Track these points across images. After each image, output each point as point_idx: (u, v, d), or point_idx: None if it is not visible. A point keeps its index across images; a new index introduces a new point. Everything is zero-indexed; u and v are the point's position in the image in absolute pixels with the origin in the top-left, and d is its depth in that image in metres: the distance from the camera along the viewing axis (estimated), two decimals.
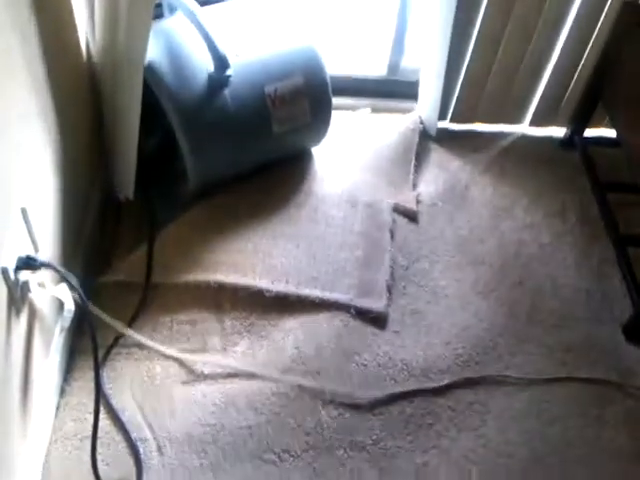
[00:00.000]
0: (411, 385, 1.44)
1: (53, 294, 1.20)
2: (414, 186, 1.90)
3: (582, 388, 1.50)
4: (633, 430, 1.44)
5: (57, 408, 1.36)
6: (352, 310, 1.53)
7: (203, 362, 1.45)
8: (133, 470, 1.30)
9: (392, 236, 1.74)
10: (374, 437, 1.37)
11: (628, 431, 1.44)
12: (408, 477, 1.33)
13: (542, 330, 1.59)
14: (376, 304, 1.55)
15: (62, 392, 1.39)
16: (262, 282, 1.54)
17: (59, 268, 1.19)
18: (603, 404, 1.48)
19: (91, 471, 1.25)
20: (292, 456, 1.34)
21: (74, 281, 1.18)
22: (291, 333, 1.49)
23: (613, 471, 1.38)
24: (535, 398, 1.47)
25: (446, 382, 1.46)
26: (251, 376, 1.43)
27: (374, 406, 1.41)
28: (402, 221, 1.80)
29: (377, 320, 1.54)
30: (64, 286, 1.19)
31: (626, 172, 1.75)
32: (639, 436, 1.43)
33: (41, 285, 1.18)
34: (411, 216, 1.81)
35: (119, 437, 1.34)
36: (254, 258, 1.58)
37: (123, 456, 1.32)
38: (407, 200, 1.83)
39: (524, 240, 1.79)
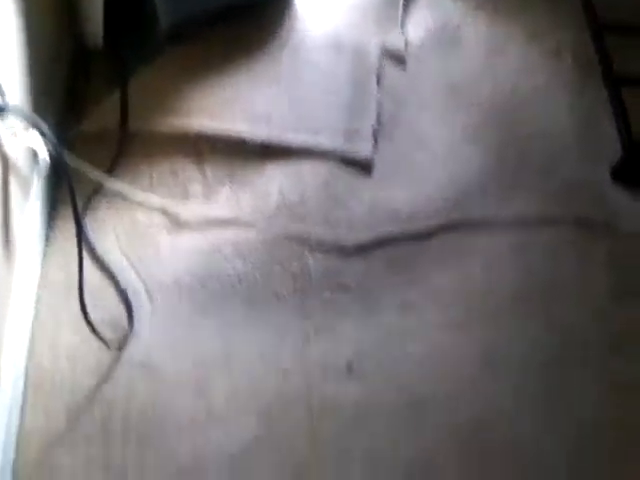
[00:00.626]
0: (397, 229, 1.44)
1: (26, 143, 1.15)
2: (402, 27, 1.79)
3: (569, 229, 1.50)
4: (616, 271, 1.46)
5: (43, 256, 1.36)
6: (337, 156, 1.49)
7: (186, 211, 1.43)
8: (124, 316, 1.32)
9: (379, 80, 1.66)
10: (359, 279, 1.39)
11: (611, 272, 1.46)
12: (392, 315, 1.36)
13: (531, 172, 1.57)
14: (362, 150, 1.51)
15: (47, 240, 1.38)
16: (243, 128, 1.49)
17: (29, 113, 1.13)
18: (589, 245, 1.49)
19: (81, 317, 1.26)
20: (280, 300, 1.36)
21: (45, 128, 1.13)
22: (275, 180, 1.46)
23: (594, 309, 1.42)
24: (521, 239, 1.48)
25: (432, 226, 1.45)
26: (236, 224, 1.42)
27: (359, 250, 1.42)
28: (390, 64, 1.71)
29: (363, 166, 1.51)
30: (35, 133, 1.14)
31: (624, 13, 1.65)
32: (621, 277, 1.45)
33: (13, 134, 1.13)
34: (399, 59, 1.72)
35: (107, 285, 1.35)
36: (233, 104, 1.52)
37: (113, 303, 1.33)
38: (395, 42, 1.73)
39: (518, 82, 1.72)
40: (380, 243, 1.43)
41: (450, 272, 1.42)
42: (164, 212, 1.43)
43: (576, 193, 1.55)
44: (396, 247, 1.43)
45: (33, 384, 1.24)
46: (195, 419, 1.24)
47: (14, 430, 1.19)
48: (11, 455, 1.17)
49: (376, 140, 1.55)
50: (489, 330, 1.36)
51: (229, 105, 1.52)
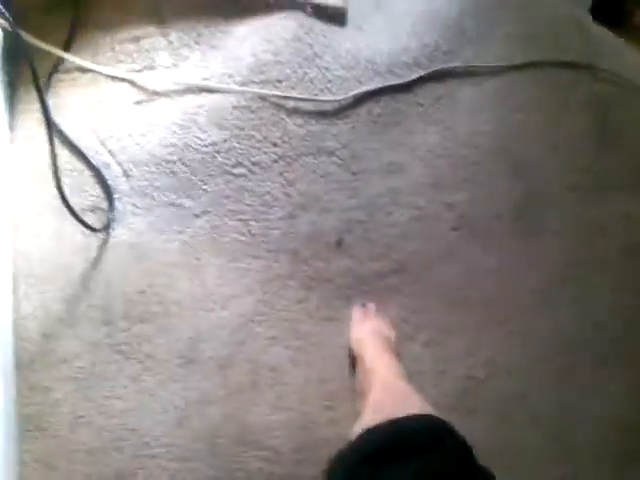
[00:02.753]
0: (377, 83, 1.37)
1: None
2: None
3: (551, 72, 1.44)
4: (597, 112, 1.43)
5: (10, 143, 1.30)
6: (308, 8, 1.38)
7: (155, 80, 1.34)
8: (103, 197, 1.29)
9: None
10: (342, 141, 1.35)
11: (593, 113, 1.43)
12: (377, 179, 1.34)
13: (512, 14, 1.47)
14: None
15: (11, 127, 1.31)
16: None
17: None
18: (571, 87, 1.44)
19: (62, 203, 1.23)
20: (262, 168, 1.33)
21: None
22: (245, 40, 1.36)
23: (578, 151, 1.41)
24: (503, 86, 1.42)
25: (413, 77, 1.38)
26: (208, 90, 1.34)
27: (340, 110, 1.36)
28: None
29: (336, 17, 1.39)
30: None
31: None
32: (600, 118, 1.43)
33: None
34: None
35: (80, 166, 1.30)
36: None
37: (89, 184, 1.30)
38: None
39: None
40: (360, 100, 1.37)
41: (435, 126, 1.38)
42: (131, 84, 1.34)
43: (557, 34, 1.47)
44: (377, 103, 1.37)
45: (23, 274, 1.24)
46: (194, 296, 1.27)
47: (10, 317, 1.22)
48: (10, 339, 1.21)
49: None
50: (473, 186, 1.35)
51: None
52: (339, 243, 1.30)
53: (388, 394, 0.96)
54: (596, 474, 1.27)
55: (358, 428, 0.79)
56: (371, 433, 0.76)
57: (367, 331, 1.21)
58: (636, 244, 1.38)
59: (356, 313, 1.26)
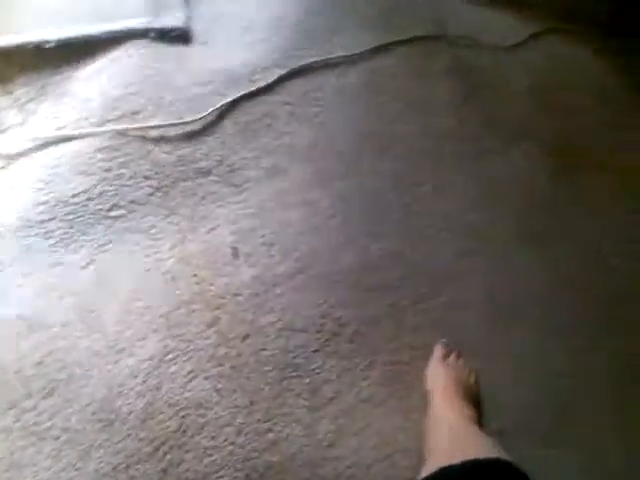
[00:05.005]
0: (239, 92, 1.34)
1: None
2: None
3: (408, 49, 1.47)
4: (459, 77, 1.46)
5: None
6: (150, 34, 1.34)
7: (8, 143, 1.27)
8: None
9: None
10: (216, 158, 1.31)
11: (456, 79, 1.45)
12: (262, 185, 1.30)
13: (357, 2, 1.49)
14: (175, 20, 1.36)
15: None
16: (36, 34, 1.30)
17: None
18: (430, 59, 1.47)
19: None
20: (140, 204, 1.27)
21: None
22: (92, 80, 1.31)
23: (447, 117, 1.42)
24: (365, 71, 1.43)
25: (274, 78, 1.36)
26: (66, 139, 1.28)
27: (206, 128, 1.32)
28: None
29: (180, 37, 1.37)
30: None
31: None
32: (464, 81, 1.45)
33: None
34: None
35: None
36: (21, 8, 1.31)
37: None
38: None
39: None
40: (224, 113, 1.33)
41: (306, 122, 1.36)
42: None
43: (407, 11, 1.50)
44: (243, 111, 1.34)
45: None
46: (97, 351, 1.18)
47: None
48: None
49: (188, 3, 1.40)
50: (351, 174, 1.33)
51: (15, 10, 1.31)
52: (235, 254, 1.24)
53: (455, 440, 0.95)
54: None
55: (425, 472, 0.80)
56: (444, 470, 0.76)
57: (442, 374, 1.16)
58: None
59: (437, 352, 1.21)
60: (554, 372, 1.23)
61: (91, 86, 1.31)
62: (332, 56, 1.42)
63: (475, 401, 1.15)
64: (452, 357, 1.20)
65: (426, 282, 1.28)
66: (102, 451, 1.13)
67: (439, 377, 1.16)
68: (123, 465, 1.13)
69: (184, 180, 1.29)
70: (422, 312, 1.26)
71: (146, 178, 1.27)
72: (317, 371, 1.20)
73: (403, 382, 1.21)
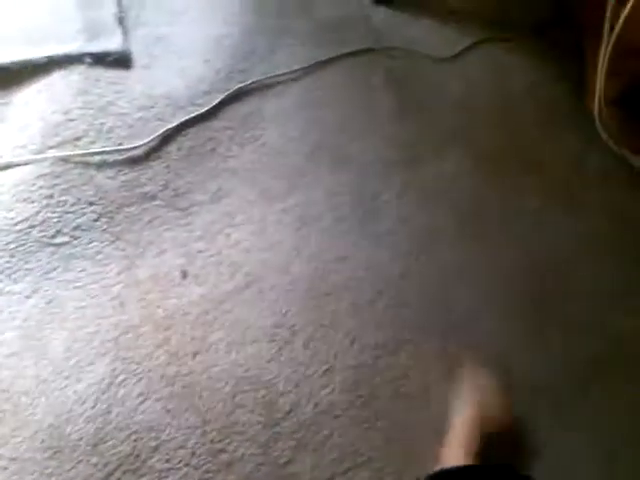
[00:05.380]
0: (180, 118, 1.36)
1: None
2: None
3: (346, 63, 1.51)
4: (397, 88, 1.51)
5: None
6: (87, 59, 1.35)
7: None
8: None
9: None
10: (161, 183, 1.32)
11: (394, 90, 1.51)
12: (208, 208, 1.33)
13: (294, 21, 1.53)
14: (112, 43, 1.37)
15: None
16: None
17: None
18: (368, 73, 1.52)
19: None
20: (84, 230, 1.27)
21: None
22: (29, 106, 1.30)
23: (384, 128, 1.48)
24: (305, 89, 1.47)
25: (214, 103, 1.39)
26: (4, 168, 1.27)
27: (150, 153, 1.33)
28: None
29: (120, 61, 1.37)
30: None
31: None
32: (401, 92, 1.51)
33: None
34: None
35: None
36: None
37: None
38: None
39: None
40: (168, 138, 1.35)
41: (249, 145, 1.39)
42: None
43: (343, 27, 1.54)
44: (186, 136, 1.36)
45: None
46: (43, 379, 1.18)
47: None
48: None
49: (124, 27, 1.41)
50: (296, 189, 1.37)
51: None
52: (184, 275, 1.26)
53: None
54: None
55: None
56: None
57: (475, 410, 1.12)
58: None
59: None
60: None
61: (28, 112, 1.30)
62: (271, 75, 1.45)
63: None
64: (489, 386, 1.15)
65: (379, 281, 1.33)
66: (53, 479, 1.13)
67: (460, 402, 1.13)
68: None
69: (129, 205, 1.30)
70: (379, 311, 1.29)
71: (90, 204, 1.28)
72: (273, 382, 1.21)
73: (366, 386, 1.23)
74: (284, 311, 1.28)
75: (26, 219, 1.25)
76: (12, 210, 1.24)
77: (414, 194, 1.42)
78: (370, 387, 1.23)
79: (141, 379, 1.19)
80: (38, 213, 1.25)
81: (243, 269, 1.29)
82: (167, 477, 1.15)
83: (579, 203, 1.47)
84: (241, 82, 1.42)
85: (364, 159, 1.43)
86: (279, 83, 1.46)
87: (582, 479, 1.19)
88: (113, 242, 1.27)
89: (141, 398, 1.18)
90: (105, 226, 1.28)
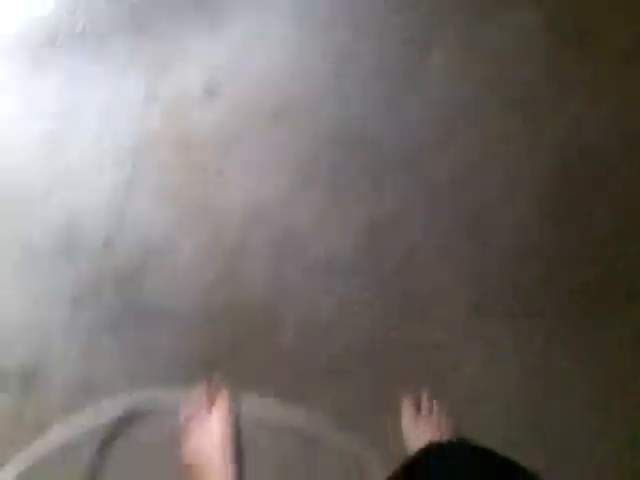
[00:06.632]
0: None
1: None
2: None
3: None
4: None
5: None
6: None
7: None
8: None
9: None
10: None
11: None
12: (241, 19, 1.25)
13: None
14: None
15: None
16: None
17: None
18: None
19: None
20: (111, 41, 1.22)
21: None
22: None
23: None
24: None
25: None
26: None
27: None
28: None
29: None
30: None
31: None
32: None
33: None
34: None
35: None
36: None
37: None
38: None
39: None
40: None
41: None
42: None
43: None
44: None
45: None
46: (56, 181, 1.17)
47: None
48: None
49: None
50: (350, 29, 1.29)
51: None
52: (210, 93, 1.22)
53: None
54: None
55: None
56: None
57: (418, 436, 1.02)
58: None
59: (407, 409, 1.07)
60: None
61: None
62: None
63: None
64: (425, 408, 1.07)
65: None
66: (61, 274, 1.15)
67: (416, 440, 1.02)
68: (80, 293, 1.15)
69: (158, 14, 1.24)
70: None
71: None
72: (289, 218, 1.17)
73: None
74: (310, 149, 1.21)
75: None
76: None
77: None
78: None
79: (156, 191, 1.18)
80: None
81: (274, 97, 1.23)
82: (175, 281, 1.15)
83: None
84: None
85: None
86: None
87: None
88: (138, 51, 1.23)
89: (154, 210, 1.18)
90: (131, 37, 1.23)
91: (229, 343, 1.10)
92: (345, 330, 1.11)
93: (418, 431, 1.04)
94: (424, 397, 1.07)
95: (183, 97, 1.23)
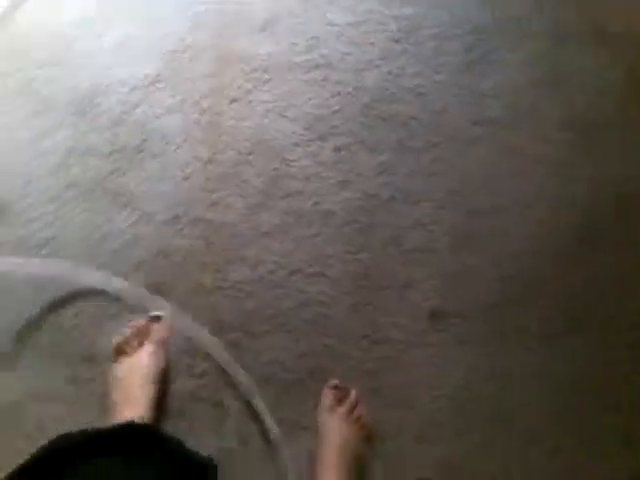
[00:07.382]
0: None
1: None
2: None
3: None
4: None
5: None
6: None
7: None
8: None
9: None
10: None
11: None
12: None
13: None
14: None
15: None
16: None
17: None
18: None
19: None
20: None
21: None
22: None
23: None
24: None
25: None
26: None
27: None
28: None
29: None
30: None
31: None
32: None
33: None
34: None
35: None
36: None
37: None
38: None
39: None
40: None
41: None
42: None
43: None
44: None
45: None
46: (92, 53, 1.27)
47: None
48: None
49: None
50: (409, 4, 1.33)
51: None
52: (263, 28, 1.29)
53: None
54: None
55: None
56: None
57: (334, 431, 1.04)
58: None
59: (326, 399, 1.08)
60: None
61: None
62: None
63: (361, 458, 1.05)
64: (346, 407, 1.06)
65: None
66: (71, 133, 1.23)
67: (331, 434, 1.04)
68: (78, 153, 1.22)
69: None
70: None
71: None
72: (289, 163, 1.24)
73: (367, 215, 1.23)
74: (334, 110, 1.27)
75: None
76: None
77: None
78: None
79: (175, 96, 1.26)
80: None
81: (319, 48, 1.29)
82: (158, 184, 1.20)
83: None
84: None
85: None
86: None
87: None
88: None
89: (168, 111, 1.24)
90: None
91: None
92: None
93: (333, 424, 1.05)
94: (352, 394, 1.08)
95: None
